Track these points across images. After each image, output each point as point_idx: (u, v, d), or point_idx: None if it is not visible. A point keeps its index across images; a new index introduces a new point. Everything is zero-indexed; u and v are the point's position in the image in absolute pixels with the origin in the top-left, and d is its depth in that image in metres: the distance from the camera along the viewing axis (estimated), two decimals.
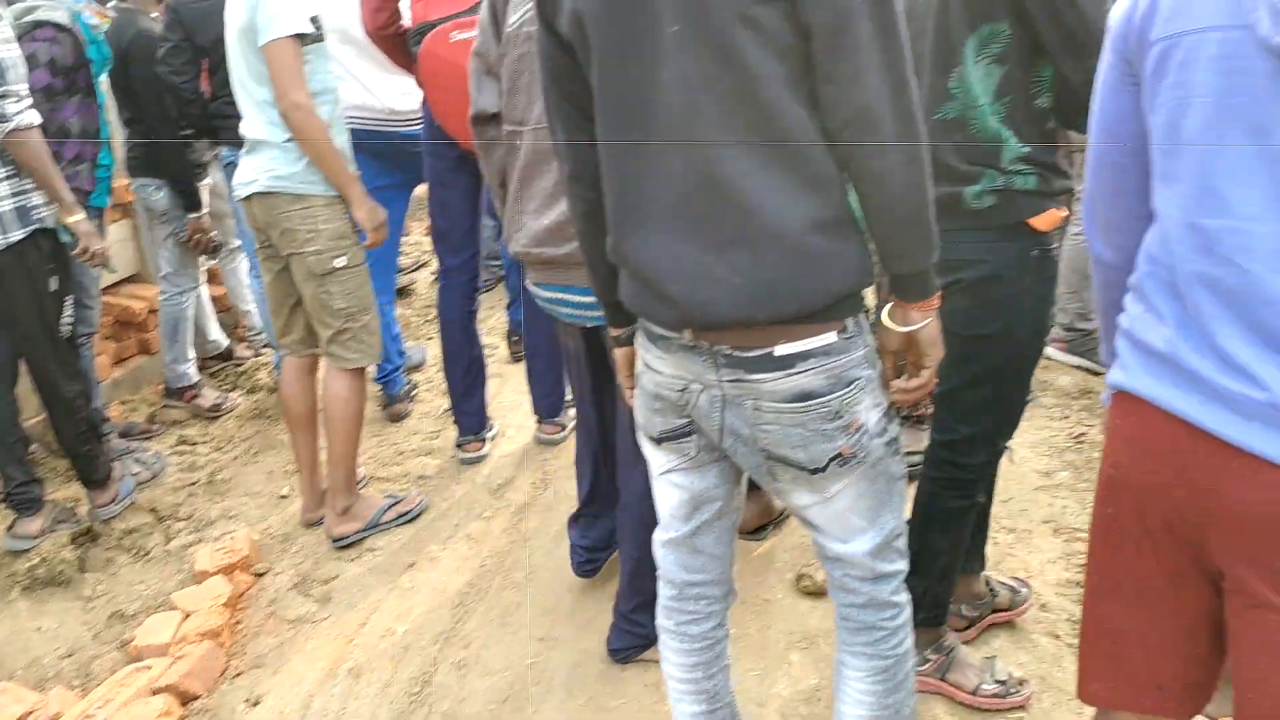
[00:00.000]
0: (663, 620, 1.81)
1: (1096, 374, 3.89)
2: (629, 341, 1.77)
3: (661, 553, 1.78)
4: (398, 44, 3.05)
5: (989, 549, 2.80)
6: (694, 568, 1.75)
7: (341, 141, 2.84)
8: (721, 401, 1.51)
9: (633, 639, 2.43)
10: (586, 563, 2.77)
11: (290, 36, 2.65)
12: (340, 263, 2.86)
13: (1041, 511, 3.03)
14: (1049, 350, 4.09)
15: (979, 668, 2.29)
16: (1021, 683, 2.29)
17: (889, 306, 1.51)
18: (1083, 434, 3.45)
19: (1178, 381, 1.23)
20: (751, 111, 1.35)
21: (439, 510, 3.25)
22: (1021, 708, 2.26)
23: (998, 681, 2.28)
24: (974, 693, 2.27)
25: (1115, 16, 1.31)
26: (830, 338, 1.45)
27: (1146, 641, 1.38)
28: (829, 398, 1.46)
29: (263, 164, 2.83)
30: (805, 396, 1.46)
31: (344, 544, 3.07)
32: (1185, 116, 1.20)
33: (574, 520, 2.77)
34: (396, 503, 3.21)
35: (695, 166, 1.39)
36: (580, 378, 2.50)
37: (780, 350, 1.44)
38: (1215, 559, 1.26)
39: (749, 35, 1.32)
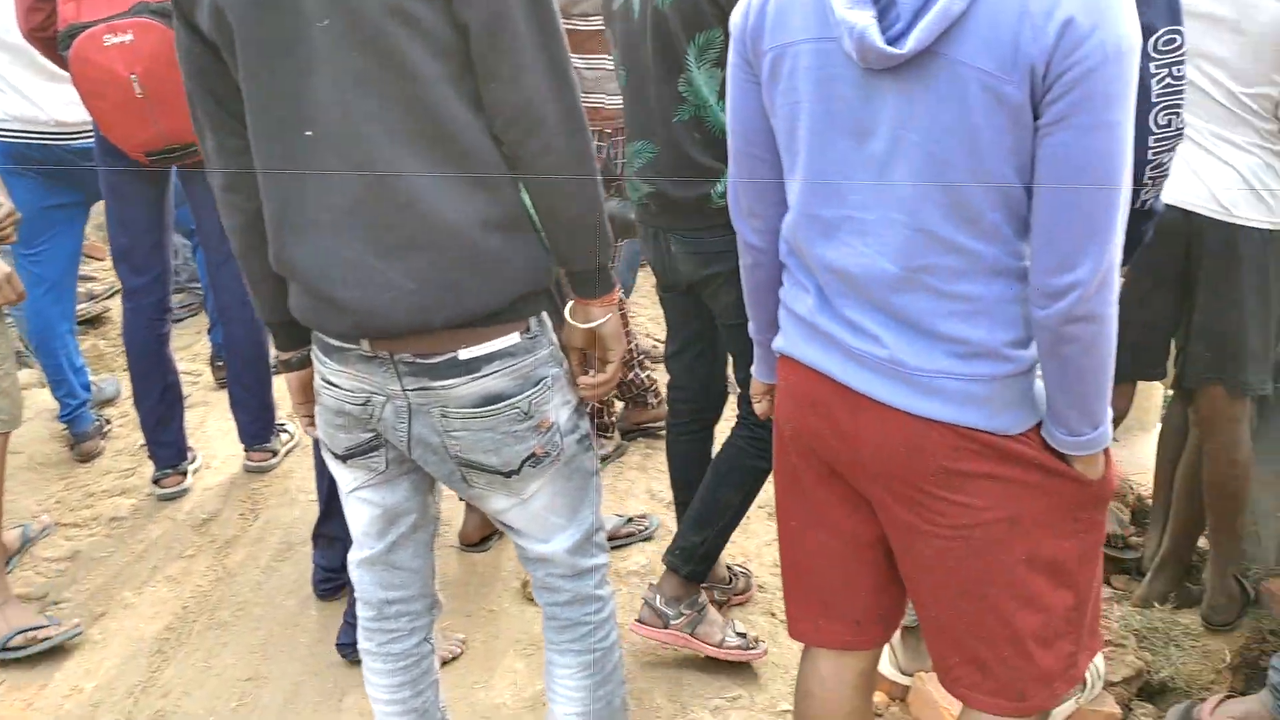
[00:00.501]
0: (364, 643, 1.74)
1: None
2: (301, 365, 1.67)
3: (358, 573, 1.70)
4: (56, 46, 2.79)
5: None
6: (392, 585, 1.69)
7: None
8: (408, 411, 1.47)
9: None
10: (324, 582, 2.65)
11: None
12: None
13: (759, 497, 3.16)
14: None
15: (721, 624, 2.42)
16: (757, 640, 2.45)
17: (570, 304, 1.52)
18: None
19: (823, 345, 1.39)
20: (414, 111, 1.31)
21: (134, 553, 2.99)
22: (761, 660, 2.42)
23: (739, 634, 2.42)
24: (719, 645, 2.39)
25: (735, 21, 1.39)
26: (514, 338, 1.44)
27: (840, 579, 1.54)
28: (518, 398, 1.45)
29: None
30: (494, 399, 1.43)
31: None
32: (798, 119, 1.31)
33: (314, 539, 2.64)
34: (40, 628, 2.53)
35: (361, 169, 1.33)
36: None
37: (464, 354, 1.41)
38: (865, 490, 1.43)
39: (405, 32, 1.28)
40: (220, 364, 4.08)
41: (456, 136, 1.33)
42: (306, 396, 1.69)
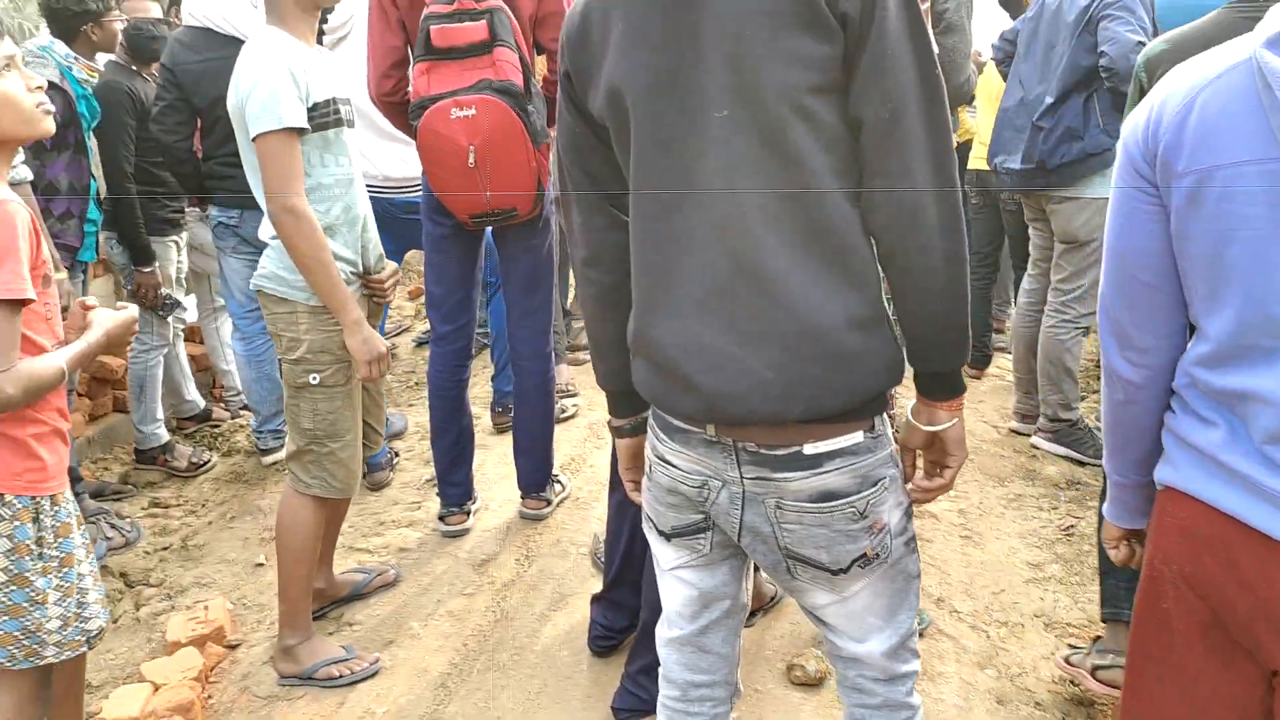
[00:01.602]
0: None
1: (1082, 464, 3.90)
2: (634, 432, 1.73)
3: (665, 651, 1.73)
4: (402, 111, 3.05)
5: (981, 643, 2.78)
6: (700, 668, 1.70)
7: (345, 245, 2.58)
8: (742, 498, 1.48)
9: (635, 700, 2.37)
10: (602, 638, 2.71)
11: (282, 131, 2.37)
12: (314, 379, 2.55)
13: (1033, 605, 3.01)
14: (1035, 439, 4.10)
15: None
16: None
17: (913, 404, 1.50)
18: (1071, 526, 3.44)
19: (1227, 481, 1.26)
20: (797, 203, 1.34)
21: (420, 585, 3.17)
22: None
23: None
24: None
25: (1129, 138, 1.31)
26: (858, 437, 1.43)
27: None
28: (854, 498, 1.44)
29: (264, 256, 2.58)
30: (831, 496, 1.43)
31: (285, 683, 2.73)
32: (1230, 245, 1.21)
33: (596, 600, 2.72)
34: (344, 660, 2.74)
35: (733, 256, 1.37)
36: None
37: (809, 449, 1.42)
38: (1267, 653, 1.27)
39: (801, 125, 1.31)
40: (500, 410, 4.29)
41: (835, 230, 1.35)
42: (635, 463, 1.75)
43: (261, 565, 3.41)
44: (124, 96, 3.87)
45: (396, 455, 4.12)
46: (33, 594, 1.96)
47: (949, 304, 1.39)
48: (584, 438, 4.28)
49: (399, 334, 5.87)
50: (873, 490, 1.45)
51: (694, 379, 1.43)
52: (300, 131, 2.42)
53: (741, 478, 1.47)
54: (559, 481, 3.67)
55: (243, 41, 3.47)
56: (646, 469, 1.64)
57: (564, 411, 4.35)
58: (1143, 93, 2.54)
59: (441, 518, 3.46)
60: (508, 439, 3.67)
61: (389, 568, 3.21)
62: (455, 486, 3.43)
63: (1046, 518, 3.51)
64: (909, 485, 1.54)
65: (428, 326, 5.92)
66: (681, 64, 1.36)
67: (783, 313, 1.36)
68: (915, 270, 1.37)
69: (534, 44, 3.07)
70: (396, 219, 3.86)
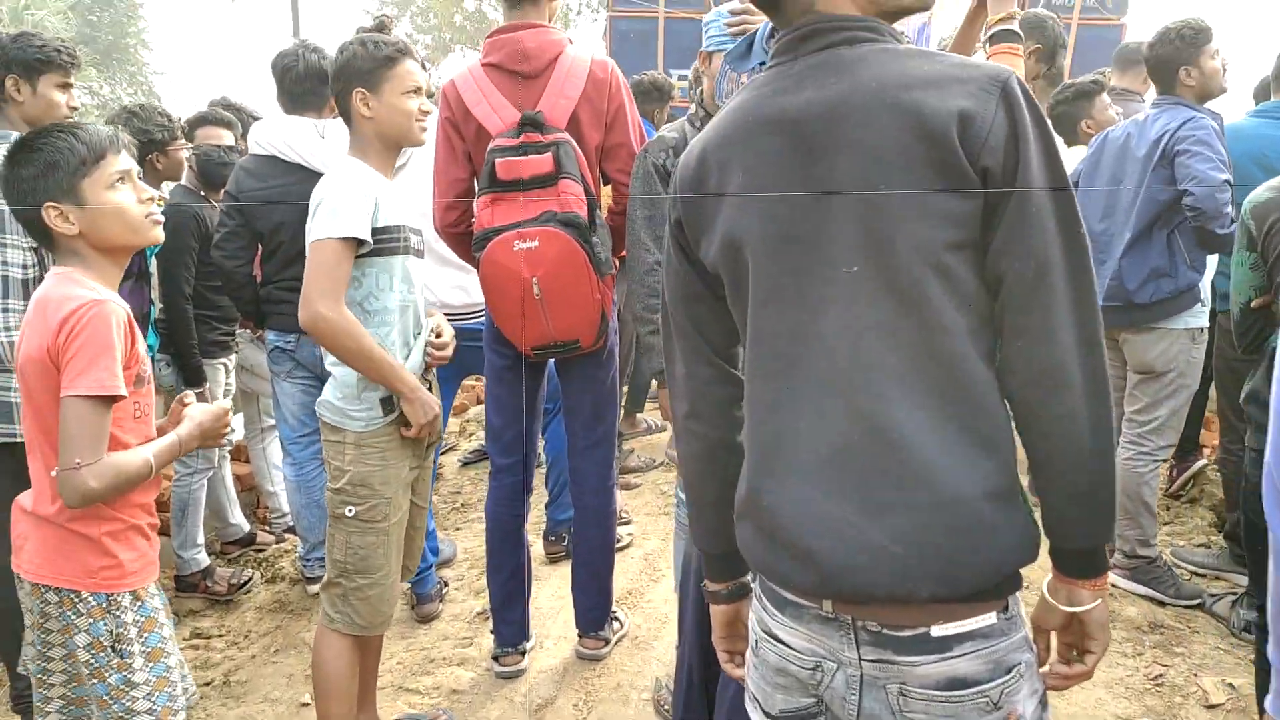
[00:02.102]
0: None
1: (1163, 605, 3.71)
2: (731, 598, 1.62)
3: None
4: (465, 241, 3.03)
5: None
6: None
7: (410, 364, 2.57)
8: (860, 683, 1.35)
9: None
10: None
11: (337, 239, 2.36)
12: (350, 512, 2.52)
13: None
14: (1113, 577, 3.91)
15: None
16: None
17: (1049, 581, 1.38)
18: (1160, 675, 3.23)
19: None
20: (929, 364, 1.25)
21: None
22: None
23: None
24: None
25: None
26: (991, 618, 1.31)
27: None
28: (987, 686, 1.31)
29: (327, 384, 2.59)
30: (961, 684, 1.30)
31: None
32: None
33: None
34: None
35: (859, 418, 1.27)
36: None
37: (938, 631, 1.29)
38: None
39: (936, 282, 1.24)
40: (554, 539, 4.17)
41: (970, 393, 1.26)
42: (730, 632, 1.63)
43: (307, 705, 3.26)
44: (190, 220, 3.90)
45: (445, 585, 3.99)
46: (114, 688, 1.98)
47: (1094, 475, 1.27)
48: (639, 569, 4.13)
49: (445, 452, 5.78)
50: (1007, 678, 1.32)
51: (811, 549, 1.32)
52: (359, 243, 2.41)
53: (860, 660, 1.35)
54: (617, 619, 3.52)
55: (308, 169, 3.53)
56: (751, 643, 1.52)
57: (618, 541, 4.22)
58: (1252, 240, 2.48)
59: (496, 658, 3.31)
60: (562, 569, 3.55)
61: (440, 713, 3.06)
62: (510, 625, 3.29)
63: (1132, 665, 3.31)
64: (1044, 669, 1.40)
65: (473, 445, 5.85)
66: (807, 216, 1.29)
67: (913, 480, 1.26)
68: (1057, 438, 1.26)
69: (600, 175, 3.05)
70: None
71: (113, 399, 1.90)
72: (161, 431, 2.11)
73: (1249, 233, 2.47)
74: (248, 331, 4.44)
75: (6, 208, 2.33)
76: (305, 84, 3.68)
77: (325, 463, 2.60)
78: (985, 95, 1.21)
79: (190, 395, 2.20)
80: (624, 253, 3.03)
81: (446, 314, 3.77)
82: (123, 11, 27.57)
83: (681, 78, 8.02)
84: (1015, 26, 2.42)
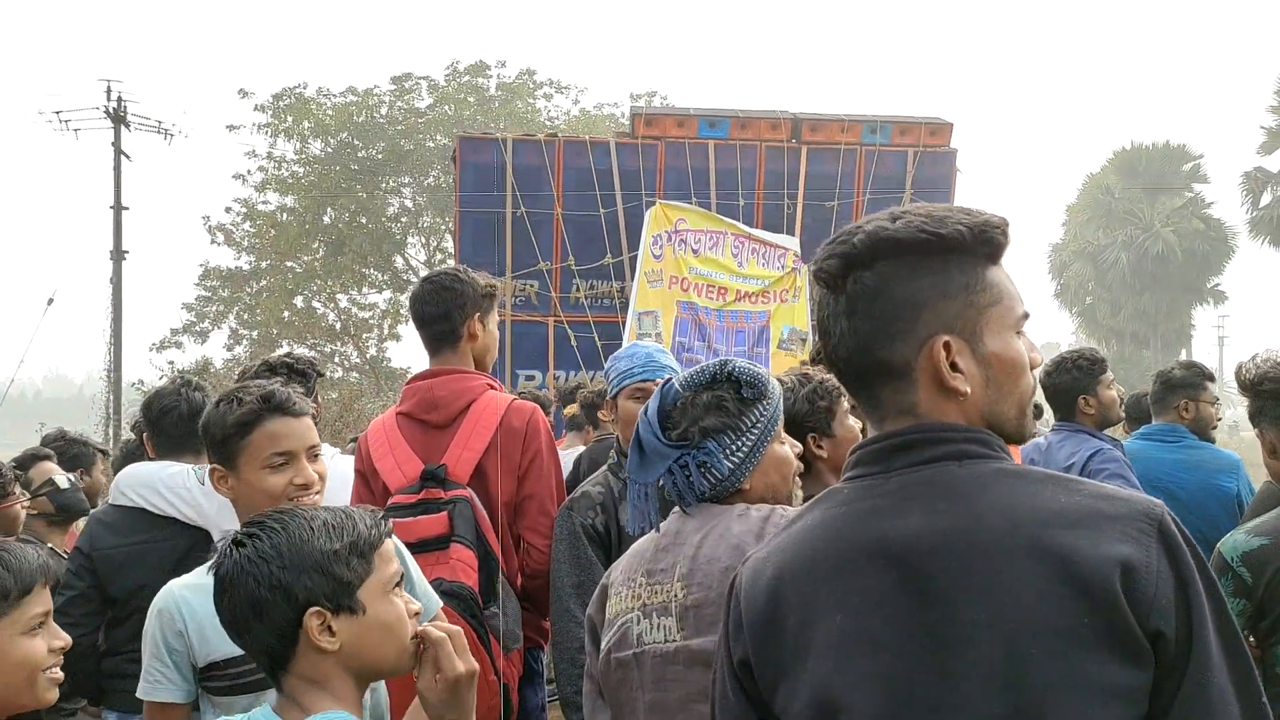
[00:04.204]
0: None
1: None
2: None
3: None
4: None
5: None
6: None
7: None
8: None
9: None
10: None
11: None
12: None
13: None
14: None
15: None
16: None
17: None
18: None
19: None
20: None
21: None
22: None
23: None
24: None
25: None
26: None
27: None
28: None
29: None
30: None
31: None
32: None
33: None
34: None
35: None
36: None
37: None
38: None
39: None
40: None
41: None
42: None
43: None
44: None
45: None
46: None
47: None
48: None
49: None
50: None
51: None
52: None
53: None
54: None
55: (180, 523, 3.14)
56: None
57: None
58: (1247, 590, 2.28)
59: None
60: None
61: None
62: None
63: None
64: None
65: None
66: (927, 680, 1.03)
67: None
68: None
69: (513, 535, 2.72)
70: None
71: None
72: None
73: (1241, 582, 2.26)
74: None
75: None
76: (189, 424, 3.34)
77: None
78: (1144, 538, 1.02)
79: None
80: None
81: None
82: None
83: (529, 378, 7.90)
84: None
